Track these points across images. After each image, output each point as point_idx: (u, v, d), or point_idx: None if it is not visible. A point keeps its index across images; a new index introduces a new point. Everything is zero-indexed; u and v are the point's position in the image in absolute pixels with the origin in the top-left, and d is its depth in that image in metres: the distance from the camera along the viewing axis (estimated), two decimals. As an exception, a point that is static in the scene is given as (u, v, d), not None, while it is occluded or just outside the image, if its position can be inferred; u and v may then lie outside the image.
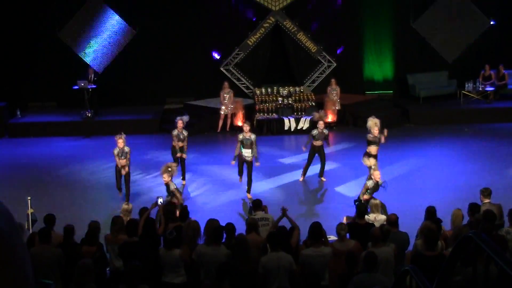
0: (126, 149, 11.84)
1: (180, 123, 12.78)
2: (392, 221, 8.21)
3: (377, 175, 10.20)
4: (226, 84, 17.86)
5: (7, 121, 18.02)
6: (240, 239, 7.34)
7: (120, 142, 11.77)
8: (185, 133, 12.80)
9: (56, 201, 12.23)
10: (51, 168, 14.60)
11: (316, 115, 13.46)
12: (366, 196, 10.06)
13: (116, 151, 11.84)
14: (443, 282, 3.61)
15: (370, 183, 10.21)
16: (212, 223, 7.69)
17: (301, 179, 13.10)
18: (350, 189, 12.27)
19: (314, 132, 12.76)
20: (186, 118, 13.14)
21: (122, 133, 12.03)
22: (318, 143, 12.73)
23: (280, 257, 6.95)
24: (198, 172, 13.73)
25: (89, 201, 12.37)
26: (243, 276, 6.95)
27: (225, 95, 17.61)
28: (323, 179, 13.00)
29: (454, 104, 19.08)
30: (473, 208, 8.38)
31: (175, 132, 12.80)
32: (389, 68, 20.47)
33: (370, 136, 12.03)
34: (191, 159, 13.94)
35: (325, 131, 12.83)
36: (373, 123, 12.06)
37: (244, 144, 11.94)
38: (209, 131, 17.69)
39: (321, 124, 12.74)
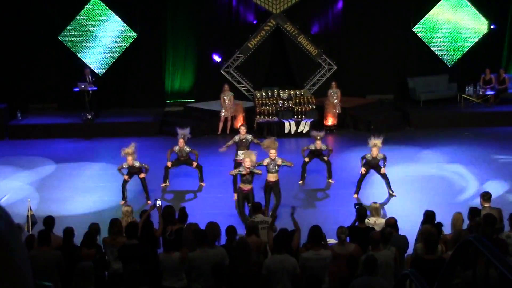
0: (137, 164, 11.97)
1: (181, 142, 12.69)
2: (391, 224, 8.20)
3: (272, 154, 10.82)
4: (226, 86, 17.85)
5: (7, 123, 18.02)
6: (241, 242, 7.32)
7: (130, 159, 11.83)
8: (187, 149, 12.73)
9: (56, 203, 12.23)
10: (51, 170, 14.59)
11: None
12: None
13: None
14: (443, 285, 3.60)
15: (266, 160, 10.88)
16: (211, 226, 7.68)
17: (300, 182, 13.16)
18: (350, 193, 12.26)
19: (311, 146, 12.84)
20: (187, 132, 12.96)
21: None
22: (317, 145, 12.84)
23: (284, 260, 6.95)
24: (198, 175, 13.70)
25: (89, 203, 12.35)
26: (244, 278, 6.94)
27: (225, 97, 17.61)
28: (330, 181, 13.12)
29: (454, 108, 19.08)
30: (473, 212, 8.37)
31: (176, 148, 12.78)
32: (390, 71, 20.47)
33: (368, 155, 12.02)
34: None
35: (323, 146, 12.85)
36: (372, 143, 12.04)
37: (240, 145, 12.01)
38: (209, 134, 17.68)
39: (318, 143, 12.75)
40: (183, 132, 12.83)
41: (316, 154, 12.87)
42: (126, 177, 11.93)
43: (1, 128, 17.75)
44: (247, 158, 10.72)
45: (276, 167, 10.93)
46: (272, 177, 10.96)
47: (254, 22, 19.78)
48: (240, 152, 12.03)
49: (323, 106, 17.79)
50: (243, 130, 12.14)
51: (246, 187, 10.71)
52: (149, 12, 19.53)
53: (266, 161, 10.97)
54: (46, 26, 18.88)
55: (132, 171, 12.00)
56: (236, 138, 12.12)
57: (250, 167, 10.56)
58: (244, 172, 10.57)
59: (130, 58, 19.48)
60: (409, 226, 9.09)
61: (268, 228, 8.38)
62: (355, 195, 12.16)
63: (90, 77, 18.20)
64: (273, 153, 10.86)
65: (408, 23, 19.97)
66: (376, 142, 12.00)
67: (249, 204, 10.56)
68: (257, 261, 7.44)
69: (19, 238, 1.37)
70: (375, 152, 11.90)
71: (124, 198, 12.11)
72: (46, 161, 15.35)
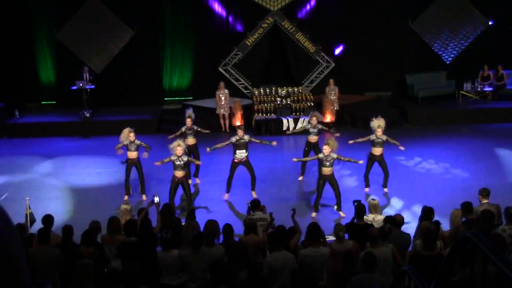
0: (137, 141, 12.14)
1: (188, 121, 12.97)
2: (398, 222, 8.18)
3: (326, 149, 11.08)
4: (222, 84, 17.87)
5: (5, 121, 18.01)
6: (233, 246, 7.26)
7: (131, 135, 12.03)
8: (195, 127, 13.03)
9: (54, 202, 12.23)
10: (49, 169, 14.59)
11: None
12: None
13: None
14: (441, 282, 3.61)
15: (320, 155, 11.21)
16: (211, 224, 7.68)
17: (300, 178, 13.24)
18: (348, 190, 12.27)
19: (308, 125, 13.13)
20: (190, 111, 13.31)
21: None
22: (313, 138, 12.90)
23: (284, 256, 6.95)
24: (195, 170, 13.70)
25: (87, 201, 12.36)
26: (241, 278, 6.93)
27: (220, 95, 17.64)
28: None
29: (452, 105, 19.08)
30: (466, 207, 8.40)
31: (183, 128, 12.99)
32: (388, 68, 20.47)
33: (372, 137, 12.10)
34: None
35: (319, 126, 13.08)
36: (376, 124, 12.11)
37: (238, 145, 11.98)
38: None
39: (314, 120, 12.99)
40: (190, 112, 13.24)
41: (312, 146, 12.96)
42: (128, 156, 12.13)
43: (-1, 126, 17.76)
44: (178, 147, 11.09)
45: (331, 161, 11.15)
46: (326, 171, 11.21)
47: (252, 20, 19.75)
48: (238, 152, 12.02)
49: (321, 104, 17.79)
50: (240, 132, 12.09)
51: (179, 174, 11.13)
52: (146, 10, 19.51)
53: (320, 156, 11.25)
54: (44, 25, 18.85)
55: (132, 156, 12.05)
56: (233, 139, 12.07)
57: (181, 154, 11.07)
58: (173, 158, 11.09)
59: (128, 56, 19.45)
60: (409, 223, 9.10)
61: (264, 228, 8.35)
62: (366, 189, 12.35)
63: (88, 75, 18.20)
64: (326, 148, 11.11)
65: (406, 20, 19.96)
66: (379, 122, 12.07)
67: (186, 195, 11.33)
68: (255, 259, 7.44)
69: (17, 237, 1.38)
70: (379, 132, 11.97)
71: (128, 192, 12.25)
72: (44, 160, 15.35)
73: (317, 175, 12.90)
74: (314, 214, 11.26)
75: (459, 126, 17.61)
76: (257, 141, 12.34)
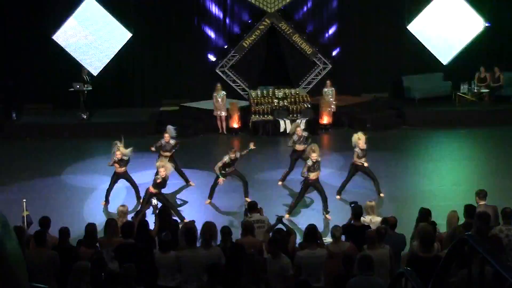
0: (125, 158, 11.95)
1: (166, 137, 12.79)
2: (391, 223, 8.21)
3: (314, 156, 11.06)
4: (218, 85, 17.88)
5: (2, 123, 17.97)
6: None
7: (118, 153, 11.85)
8: (172, 142, 12.79)
9: (51, 204, 12.20)
10: (46, 171, 14.56)
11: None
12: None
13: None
14: (438, 283, 3.61)
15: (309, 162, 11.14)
16: (208, 226, 7.66)
17: (280, 183, 13.16)
18: (345, 191, 12.26)
19: (294, 137, 12.87)
20: (172, 130, 13.07)
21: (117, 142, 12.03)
22: (299, 147, 12.80)
23: (286, 260, 6.95)
24: (194, 175, 13.71)
25: (84, 203, 12.34)
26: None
27: (217, 97, 17.63)
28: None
29: (449, 106, 19.09)
30: (469, 209, 8.38)
31: (162, 142, 12.81)
32: (385, 69, 20.48)
33: (357, 151, 12.01)
34: (187, 160, 13.96)
35: (305, 133, 12.98)
36: (355, 138, 12.06)
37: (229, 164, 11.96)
38: (204, 133, 17.69)
39: (298, 131, 12.89)
40: (169, 129, 13.02)
41: (299, 154, 12.84)
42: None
43: (-4, 128, 17.72)
44: (161, 168, 10.86)
45: (317, 165, 11.22)
46: (313, 176, 11.18)
47: (249, 21, 19.79)
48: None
49: (318, 105, 17.80)
50: (232, 154, 11.91)
51: (154, 190, 10.84)
52: (143, 12, 19.51)
53: (309, 163, 11.18)
54: (40, 26, 18.81)
55: (120, 171, 12.00)
56: (226, 158, 11.92)
57: (165, 175, 10.81)
58: (158, 181, 10.83)
59: (125, 57, 19.43)
60: (406, 224, 9.10)
61: (266, 230, 8.35)
62: (338, 196, 12.21)
63: (87, 77, 18.20)
64: (315, 156, 11.08)
65: (403, 21, 19.99)
66: (358, 135, 12.04)
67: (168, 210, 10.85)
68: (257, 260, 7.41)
69: (15, 240, 1.37)
70: (361, 144, 11.92)
71: (106, 201, 12.15)
72: (41, 161, 15.32)
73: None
74: (287, 216, 11.04)
75: (456, 127, 17.58)
76: (244, 153, 12.23)
